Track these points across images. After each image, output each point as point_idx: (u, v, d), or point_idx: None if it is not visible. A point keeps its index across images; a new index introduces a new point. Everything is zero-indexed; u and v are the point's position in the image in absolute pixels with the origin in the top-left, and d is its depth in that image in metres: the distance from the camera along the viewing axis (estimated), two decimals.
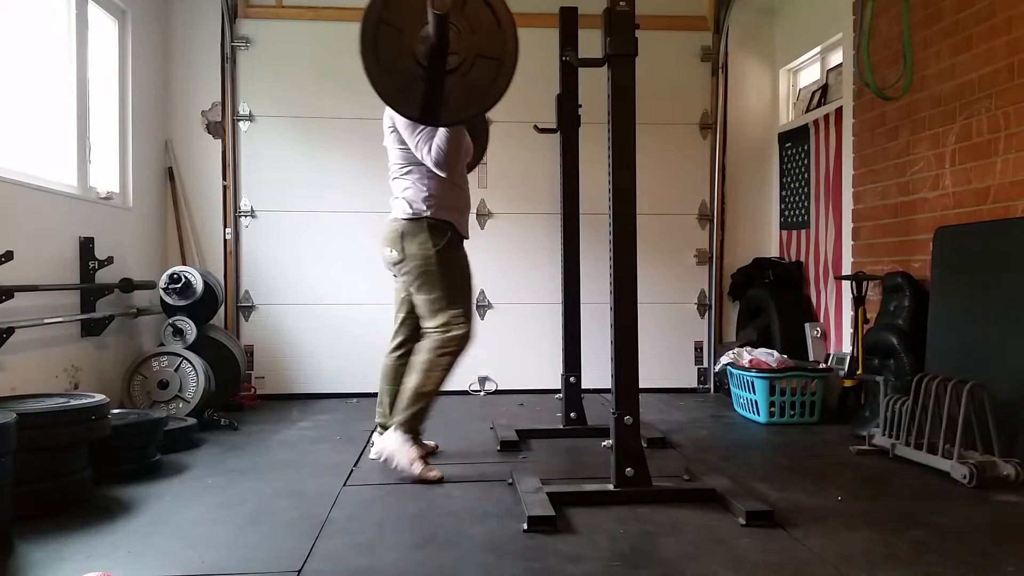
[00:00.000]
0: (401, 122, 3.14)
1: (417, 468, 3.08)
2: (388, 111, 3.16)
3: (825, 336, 4.83)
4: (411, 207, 3.22)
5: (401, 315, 3.47)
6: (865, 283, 4.13)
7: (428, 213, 3.20)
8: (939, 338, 3.64)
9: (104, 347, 4.23)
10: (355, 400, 4.98)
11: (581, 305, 4.02)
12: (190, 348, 4.24)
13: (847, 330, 4.54)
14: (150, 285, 4.51)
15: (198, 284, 4.37)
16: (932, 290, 3.73)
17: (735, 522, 2.54)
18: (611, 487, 2.76)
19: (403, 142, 3.20)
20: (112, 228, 4.35)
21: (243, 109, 5.17)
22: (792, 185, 5.30)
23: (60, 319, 3.74)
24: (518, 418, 4.36)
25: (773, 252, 5.51)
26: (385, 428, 3.44)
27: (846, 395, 4.26)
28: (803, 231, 5.13)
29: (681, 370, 5.46)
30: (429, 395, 3.17)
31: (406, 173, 3.26)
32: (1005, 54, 3.38)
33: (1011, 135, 3.36)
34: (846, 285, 4.41)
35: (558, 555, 2.27)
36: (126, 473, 3.07)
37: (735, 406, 4.60)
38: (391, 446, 3.13)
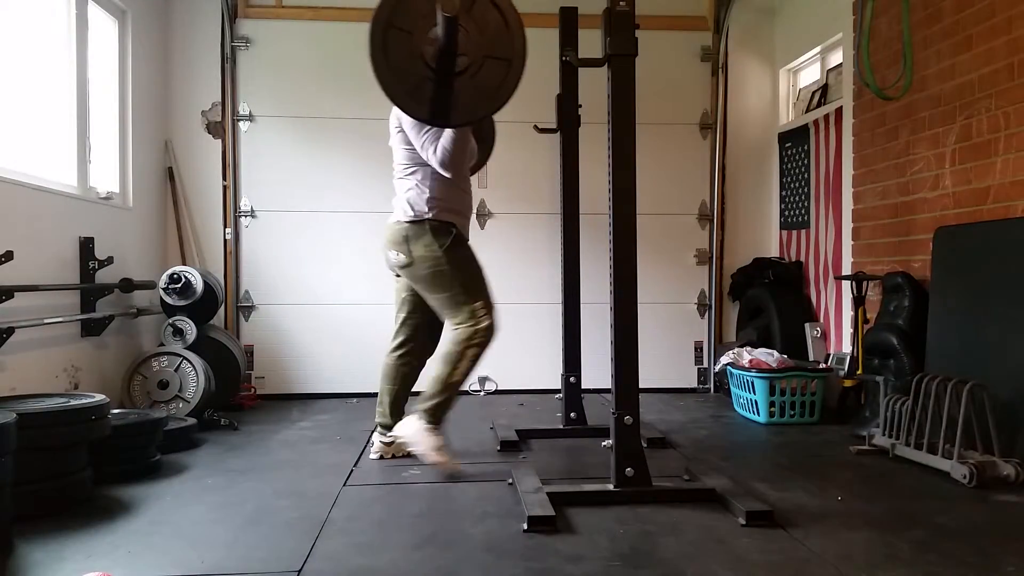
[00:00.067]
0: (408, 122, 3.15)
1: (438, 457, 3.11)
2: (395, 111, 3.17)
3: (825, 336, 4.83)
4: (413, 209, 3.22)
5: (402, 315, 3.47)
6: (865, 283, 4.13)
7: (430, 215, 3.21)
8: (939, 338, 3.64)
9: (104, 347, 4.23)
10: (355, 400, 4.98)
11: (581, 305, 4.02)
12: (190, 348, 4.24)
13: (847, 330, 4.54)
14: (150, 285, 4.51)
15: (198, 284, 4.37)
16: (932, 290, 3.73)
17: (735, 522, 2.54)
18: (611, 487, 2.76)
19: (409, 143, 3.21)
20: (112, 228, 4.35)
21: (243, 109, 5.17)
22: (792, 185, 5.30)
23: (60, 319, 3.74)
24: (518, 418, 4.36)
25: (773, 252, 5.51)
26: (385, 428, 3.45)
27: (846, 395, 4.26)
28: (803, 231, 5.14)
29: (681, 370, 5.46)
30: (455, 386, 3.19)
31: (410, 174, 3.27)
32: (1005, 54, 3.38)
33: (1011, 135, 3.36)
34: (846, 285, 4.41)
35: (558, 555, 2.27)
36: (126, 473, 3.07)
37: (735, 406, 4.60)
38: (413, 433, 3.16)
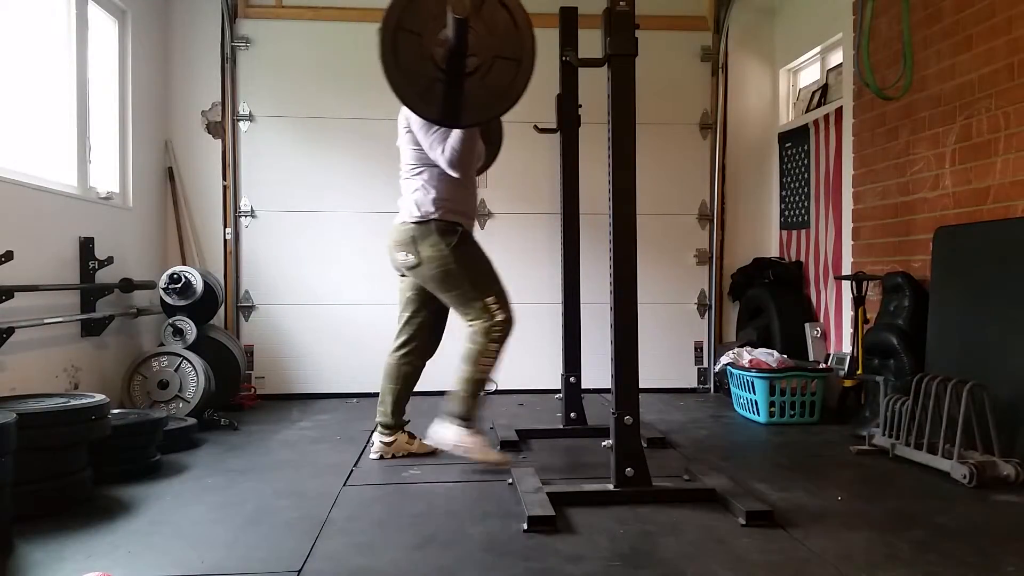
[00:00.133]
0: (416, 123, 3.15)
1: (486, 454, 3.17)
2: (404, 112, 3.17)
3: (825, 336, 4.83)
4: (419, 209, 3.23)
5: (406, 315, 3.47)
6: (865, 283, 4.13)
7: (436, 215, 3.22)
8: (939, 338, 3.64)
9: (104, 347, 4.23)
10: (355, 400, 4.99)
11: (581, 305, 4.02)
12: (190, 348, 4.24)
13: (847, 330, 4.54)
14: (150, 285, 4.51)
15: (198, 284, 4.37)
16: (932, 290, 3.73)
17: (735, 522, 2.54)
18: (611, 487, 2.76)
19: (418, 143, 3.21)
20: (112, 228, 4.35)
21: (243, 109, 5.17)
22: (792, 185, 5.30)
23: (60, 319, 3.74)
24: (518, 418, 4.37)
25: (773, 252, 5.51)
26: (386, 427, 3.46)
27: (846, 395, 4.26)
28: (803, 231, 5.13)
29: (681, 370, 5.46)
30: (480, 383, 3.23)
31: (417, 174, 3.27)
32: (1005, 54, 3.38)
33: (1011, 135, 3.36)
34: (846, 285, 4.41)
35: (558, 555, 2.27)
36: (126, 473, 3.07)
37: (735, 406, 4.60)
38: (452, 437, 3.20)
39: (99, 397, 2.93)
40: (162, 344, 4.32)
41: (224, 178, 5.14)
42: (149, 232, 4.89)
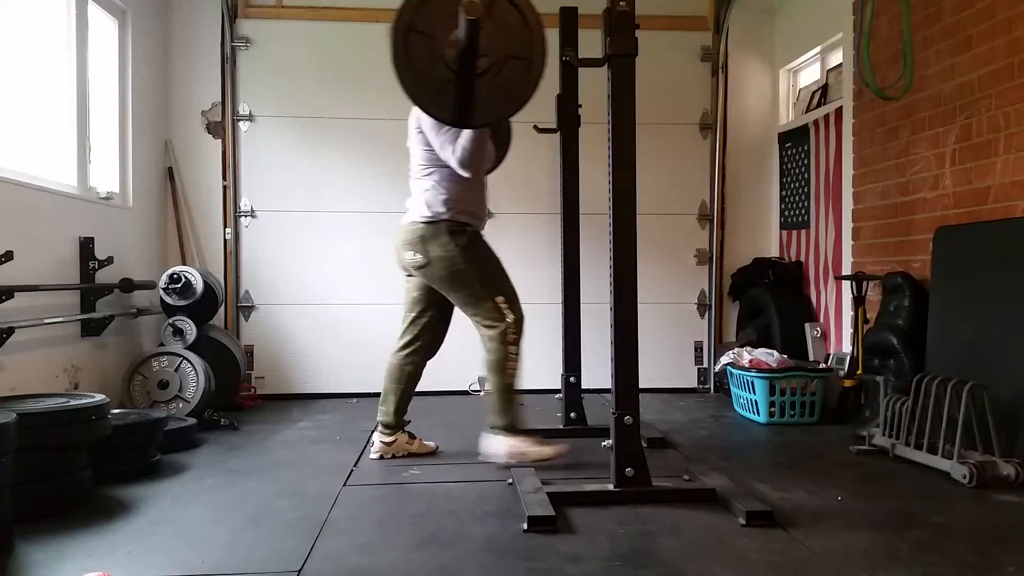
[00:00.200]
0: (427, 123, 3.16)
1: (542, 453, 3.19)
2: (415, 112, 3.18)
3: (825, 336, 4.83)
4: (430, 209, 3.23)
5: (412, 315, 3.47)
6: (865, 283, 4.13)
7: (447, 216, 3.22)
8: (939, 338, 3.64)
9: (104, 347, 4.24)
10: (355, 400, 4.98)
11: (581, 305, 4.02)
12: (190, 348, 4.24)
13: (847, 330, 4.54)
14: (150, 285, 4.51)
15: (198, 284, 4.37)
16: (932, 290, 3.73)
17: (735, 522, 2.54)
18: (611, 487, 2.76)
19: (429, 144, 3.22)
20: (112, 228, 4.35)
21: (243, 109, 5.17)
22: (792, 185, 5.30)
23: (60, 319, 3.74)
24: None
25: (773, 252, 5.51)
26: (387, 427, 3.45)
27: (846, 395, 4.26)
28: (803, 231, 5.13)
29: (681, 370, 5.46)
30: (512, 386, 3.25)
31: (428, 175, 3.27)
32: (1005, 54, 3.38)
33: (1011, 135, 3.36)
34: (846, 285, 4.41)
35: (558, 555, 2.27)
36: (126, 473, 3.07)
37: (735, 406, 4.60)
38: (506, 448, 3.21)
39: (99, 397, 2.93)
40: (162, 344, 4.31)
41: (224, 178, 5.14)
42: (149, 232, 4.89)
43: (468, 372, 5.12)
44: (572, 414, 3.93)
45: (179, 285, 4.33)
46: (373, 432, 3.58)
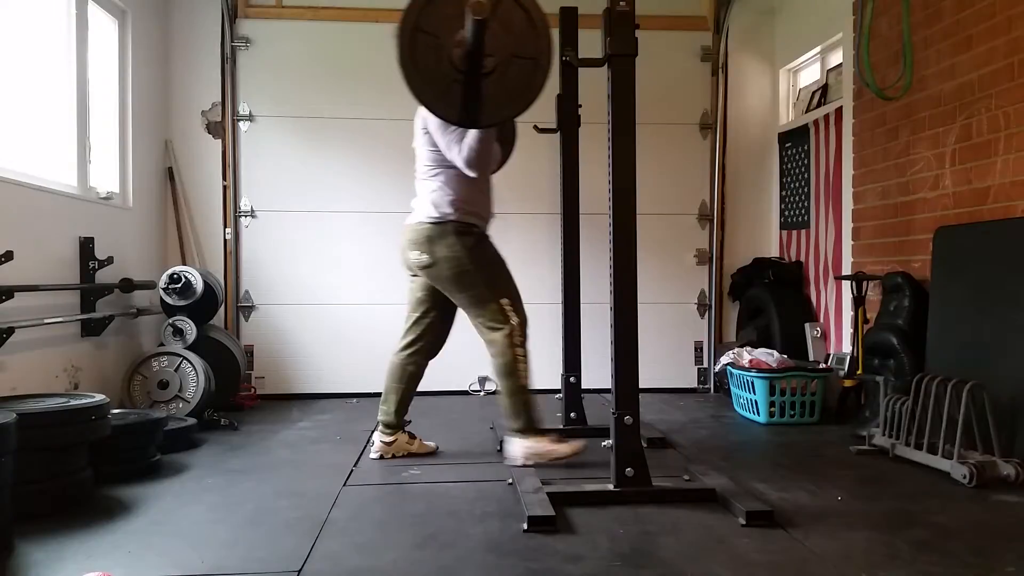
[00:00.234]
0: (434, 124, 3.16)
1: (562, 451, 3.21)
2: (421, 113, 3.18)
3: (825, 336, 4.83)
4: (437, 210, 3.23)
5: (415, 315, 3.47)
6: (865, 283, 4.13)
7: (454, 216, 3.22)
8: (939, 338, 3.64)
9: (104, 347, 4.24)
10: (355, 400, 4.99)
11: (581, 305, 4.02)
12: (190, 348, 4.24)
13: (847, 330, 4.54)
14: (150, 285, 4.51)
15: (198, 284, 4.37)
16: (932, 290, 3.73)
17: (735, 522, 2.54)
18: (611, 487, 2.76)
19: (435, 144, 3.21)
20: (112, 228, 4.35)
21: (243, 109, 5.17)
22: (792, 185, 5.30)
23: (60, 319, 3.74)
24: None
25: (773, 252, 5.51)
26: (388, 426, 3.45)
27: (846, 395, 4.26)
28: (803, 231, 5.13)
29: (681, 370, 5.46)
30: (525, 388, 3.27)
31: (434, 176, 3.27)
32: (1005, 54, 3.38)
33: (1011, 135, 3.36)
34: (846, 285, 4.41)
35: (558, 555, 2.27)
36: (126, 473, 3.07)
37: (735, 406, 4.60)
38: (528, 450, 3.23)
39: (99, 397, 2.93)
40: (162, 344, 4.31)
41: (224, 178, 5.14)
42: (149, 232, 4.89)
43: (468, 372, 5.13)
44: (572, 414, 3.93)
45: (179, 285, 4.33)
46: (373, 432, 3.58)
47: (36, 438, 2.59)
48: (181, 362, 4.15)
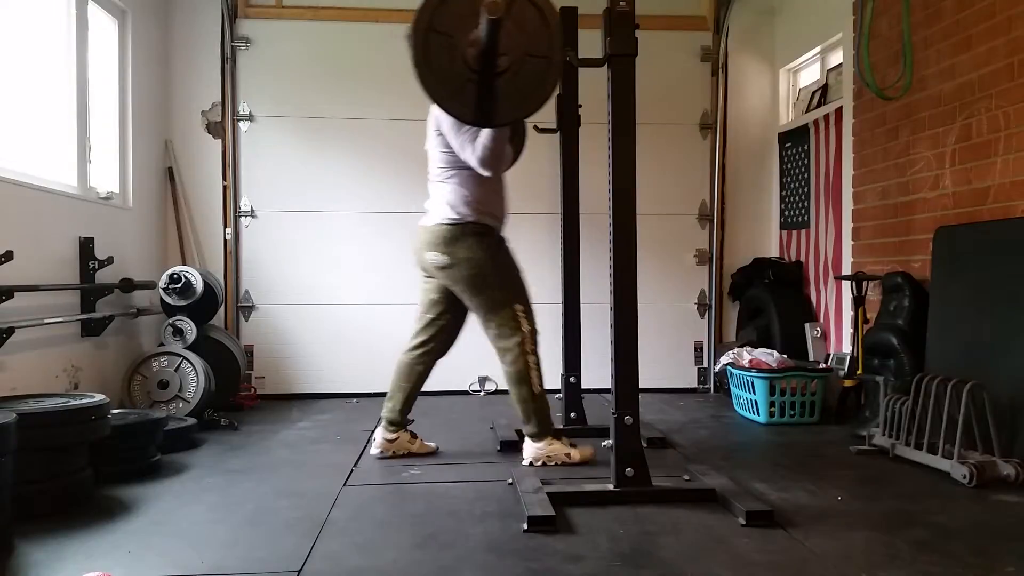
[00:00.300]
0: (447, 124, 3.16)
1: (575, 455, 3.26)
2: (434, 114, 3.18)
3: (825, 336, 4.83)
4: (454, 211, 3.23)
5: (429, 316, 3.46)
6: (865, 283, 4.13)
7: (472, 218, 3.23)
8: (939, 338, 3.64)
9: (104, 347, 4.23)
10: (355, 400, 4.99)
11: (581, 305, 4.02)
12: (190, 348, 4.24)
13: (847, 330, 4.54)
14: (150, 285, 4.51)
15: (198, 284, 4.37)
16: (932, 290, 3.73)
17: (735, 522, 2.54)
18: (611, 487, 2.76)
19: (448, 146, 3.21)
20: (112, 228, 4.35)
21: (243, 109, 5.17)
22: (792, 185, 5.30)
23: (60, 319, 3.74)
24: (518, 418, 4.34)
25: (773, 252, 5.51)
26: (391, 423, 3.45)
27: (846, 395, 4.26)
28: (803, 231, 5.13)
29: (681, 370, 5.46)
30: (539, 394, 3.28)
31: (449, 177, 3.27)
32: (1005, 54, 3.38)
33: (1011, 135, 3.36)
34: (846, 285, 4.41)
35: (558, 555, 2.27)
36: (126, 473, 3.07)
37: (735, 406, 4.60)
38: (543, 453, 3.27)
39: (99, 397, 2.93)
40: (162, 344, 4.31)
41: (224, 178, 5.14)
42: (149, 232, 4.89)
43: (468, 372, 5.13)
44: (572, 414, 3.93)
45: (179, 285, 4.33)
46: (373, 432, 3.58)
47: (36, 438, 2.59)
48: (181, 362, 4.15)
